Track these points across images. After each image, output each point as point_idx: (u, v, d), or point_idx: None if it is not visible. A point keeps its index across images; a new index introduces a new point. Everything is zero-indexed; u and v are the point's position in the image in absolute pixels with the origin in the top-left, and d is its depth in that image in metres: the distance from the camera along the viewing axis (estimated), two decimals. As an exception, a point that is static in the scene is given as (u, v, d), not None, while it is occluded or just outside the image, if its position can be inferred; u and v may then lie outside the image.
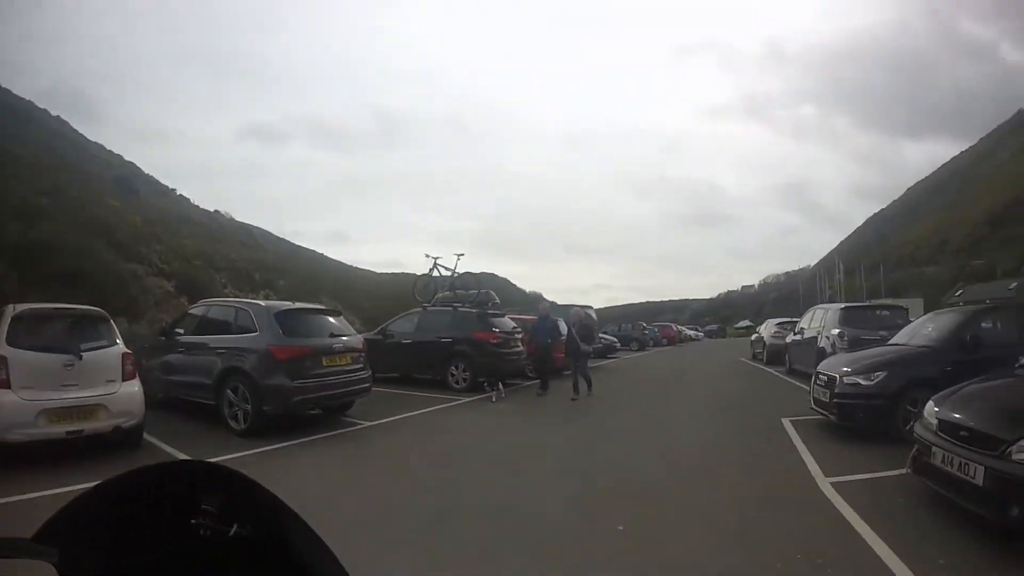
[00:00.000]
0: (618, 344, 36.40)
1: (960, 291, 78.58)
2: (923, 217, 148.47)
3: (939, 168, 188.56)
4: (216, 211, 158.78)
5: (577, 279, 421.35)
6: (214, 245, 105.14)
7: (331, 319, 12.99)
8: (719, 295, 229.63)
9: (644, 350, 44.17)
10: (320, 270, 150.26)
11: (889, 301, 33.47)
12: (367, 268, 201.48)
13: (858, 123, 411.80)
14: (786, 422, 12.08)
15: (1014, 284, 69.85)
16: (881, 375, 10.14)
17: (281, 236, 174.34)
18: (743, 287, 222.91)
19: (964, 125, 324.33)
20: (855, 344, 15.63)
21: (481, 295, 20.57)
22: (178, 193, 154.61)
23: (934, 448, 6.39)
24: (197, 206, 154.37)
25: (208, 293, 31.71)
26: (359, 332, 15.31)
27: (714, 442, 10.97)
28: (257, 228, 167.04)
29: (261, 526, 1.35)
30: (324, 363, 11.54)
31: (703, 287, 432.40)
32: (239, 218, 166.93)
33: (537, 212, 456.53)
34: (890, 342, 12.70)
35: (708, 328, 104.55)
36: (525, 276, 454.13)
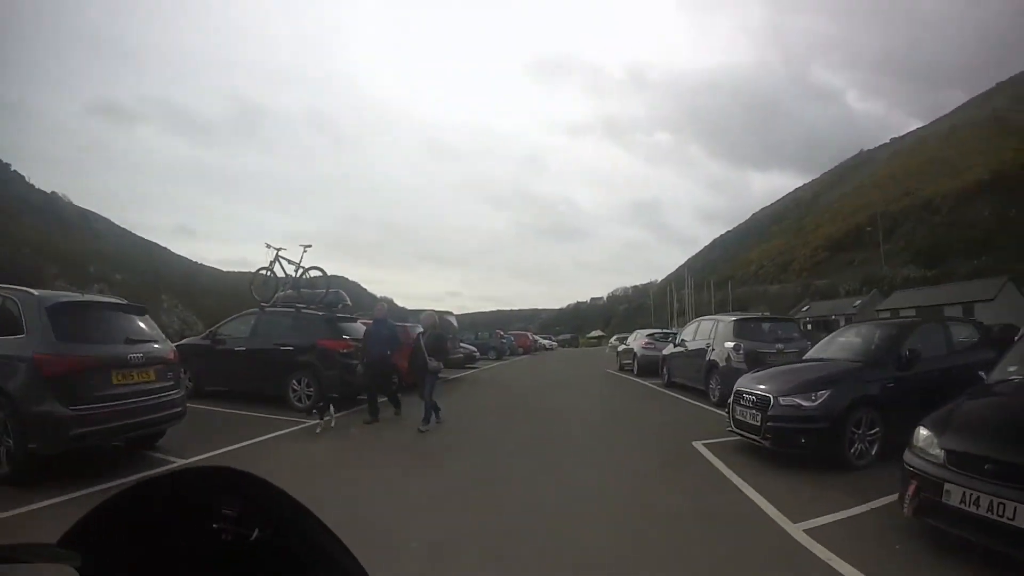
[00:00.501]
0: (477, 354, 33.91)
1: (807, 307, 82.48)
2: (767, 240, 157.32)
3: (784, 196, 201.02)
4: (54, 193, 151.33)
5: (429, 287, 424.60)
6: (48, 231, 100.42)
7: (134, 318, 9.43)
8: (568, 306, 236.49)
9: (502, 359, 42.14)
10: (163, 265, 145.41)
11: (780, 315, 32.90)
12: (213, 265, 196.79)
13: (710, 152, 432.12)
14: (699, 447, 10.28)
15: (858, 302, 75.30)
16: (825, 395, 8.78)
17: (124, 226, 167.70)
18: (592, 299, 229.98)
19: (807, 161, 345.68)
20: (753, 358, 14.66)
21: (330, 295, 17.05)
22: (13, 169, 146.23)
23: (947, 485, 5.30)
24: (32, 185, 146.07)
25: (36, 285, 27.86)
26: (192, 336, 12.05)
27: (630, 486, 8.21)
28: (97, 215, 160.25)
29: (282, 529, 1.31)
30: (115, 380, 8.24)
31: (553, 298, 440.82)
32: (78, 202, 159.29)
33: (393, 218, 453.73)
34: (810, 356, 11.62)
35: (561, 337, 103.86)
36: (377, 281, 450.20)
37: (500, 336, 47.01)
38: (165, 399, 8.97)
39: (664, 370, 21.16)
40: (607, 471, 9.06)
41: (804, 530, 6.03)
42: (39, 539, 1.20)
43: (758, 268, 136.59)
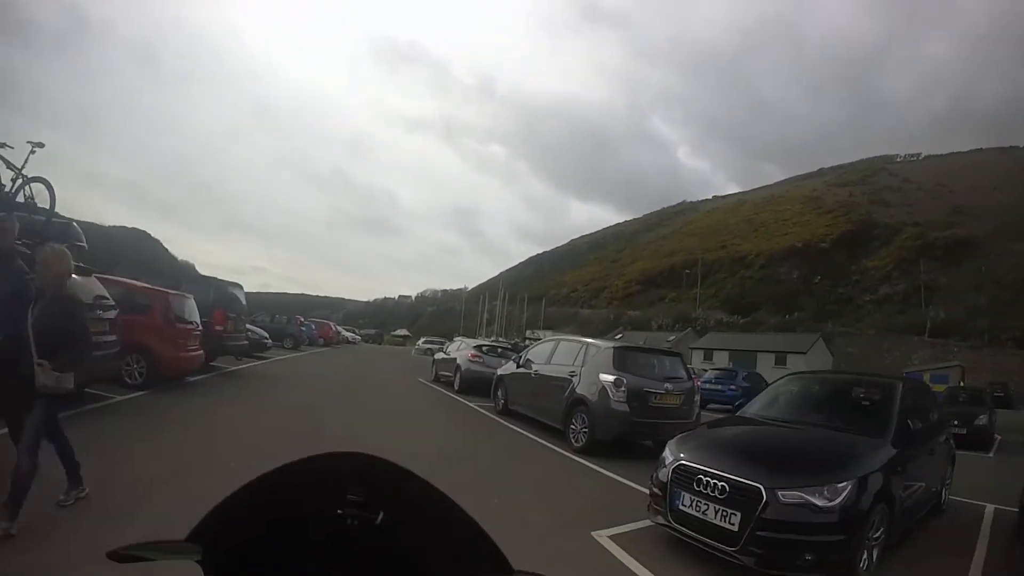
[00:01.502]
0: (269, 341, 28.21)
1: (620, 335, 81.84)
2: (583, 266, 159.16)
3: (604, 228, 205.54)
4: None
5: (232, 257, 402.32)
6: None
7: None
8: (376, 300, 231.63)
9: (299, 350, 36.86)
10: None
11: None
12: None
13: (537, 172, 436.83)
14: (609, 545, 6.38)
15: (672, 337, 75.95)
16: (847, 488, 5.69)
17: None
18: (401, 296, 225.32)
19: (628, 201, 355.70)
20: (637, 398, 11.99)
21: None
22: None
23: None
24: None
25: None
26: None
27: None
28: None
29: (409, 512, 1.34)
30: None
31: (360, 290, 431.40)
32: None
33: (204, 177, 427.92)
34: (759, 415, 8.35)
35: (365, 332, 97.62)
36: (176, 242, 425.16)
37: (300, 323, 41.17)
38: None
39: (499, 394, 16.87)
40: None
41: None
42: None
43: (571, 291, 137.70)
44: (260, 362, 24.21)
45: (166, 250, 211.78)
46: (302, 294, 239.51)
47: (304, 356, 33.24)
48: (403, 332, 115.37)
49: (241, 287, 20.81)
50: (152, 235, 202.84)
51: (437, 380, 24.79)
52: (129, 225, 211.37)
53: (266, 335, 27.30)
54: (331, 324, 57.46)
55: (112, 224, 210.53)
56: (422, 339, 67.67)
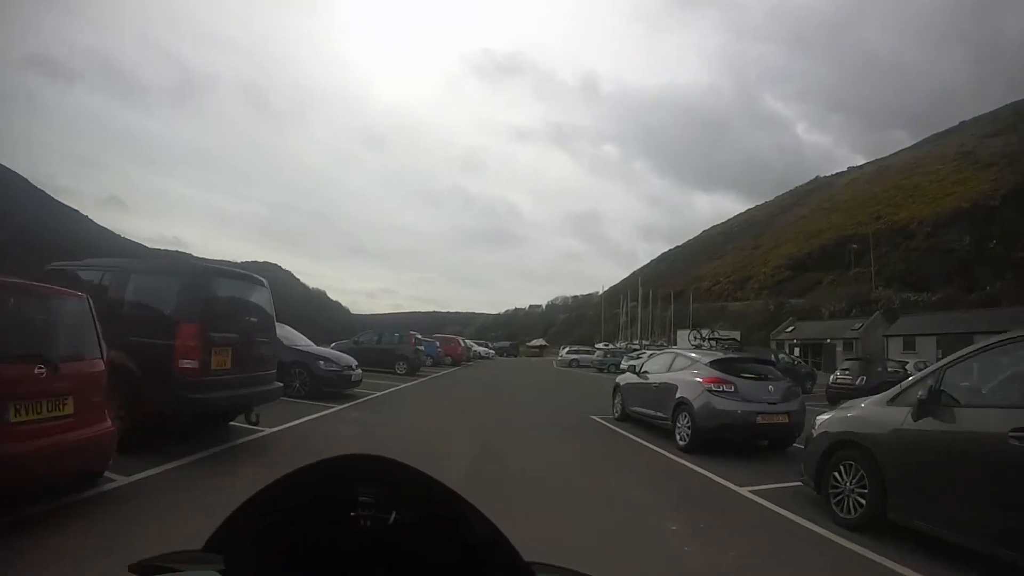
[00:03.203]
0: (355, 371, 17.25)
1: (792, 327, 69.88)
2: (719, 257, 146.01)
3: (736, 216, 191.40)
4: None
5: (360, 282, 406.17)
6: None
7: None
8: (506, 312, 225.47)
9: (415, 375, 27.35)
10: (79, 236, 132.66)
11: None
12: (139, 242, 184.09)
13: (655, 169, 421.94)
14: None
15: (858, 325, 63.26)
16: None
17: (39, 186, 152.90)
18: (531, 306, 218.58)
19: (752, 186, 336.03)
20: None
21: None
22: None
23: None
24: None
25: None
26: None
27: None
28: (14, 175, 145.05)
29: (422, 511, 1.33)
30: None
31: (489, 303, 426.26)
32: (7, 162, 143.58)
33: (325, 208, 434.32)
34: None
35: (499, 344, 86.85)
36: (309, 273, 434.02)
37: (414, 340, 29.79)
38: None
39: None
40: None
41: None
42: None
43: (712, 284, 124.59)
44: (336, 408, 14.27)
45: (297, 280, 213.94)
46: (433, 312, 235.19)
47: (416, 386, 23.29)
48: (539, 342, 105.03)
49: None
50: (283, 267, 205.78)
51: (627, 419, 14.66)
52: (260, 260, 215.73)
53: (351, 363, 17.28)
54: (459, 340, 47.15)
55: (244, 260, 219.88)
56: (565, 348, 58.00)
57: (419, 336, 30.37)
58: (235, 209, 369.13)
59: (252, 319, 9.82)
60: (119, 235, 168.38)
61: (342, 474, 1.33)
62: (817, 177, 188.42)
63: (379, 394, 18.57)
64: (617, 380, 16.00)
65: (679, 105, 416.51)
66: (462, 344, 45.28)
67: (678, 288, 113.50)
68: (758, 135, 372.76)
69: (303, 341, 17.53)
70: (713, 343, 37.44)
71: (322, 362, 16.23)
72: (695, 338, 46.19)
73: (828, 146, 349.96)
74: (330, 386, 15.96)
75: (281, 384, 10.94)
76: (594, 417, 15.70)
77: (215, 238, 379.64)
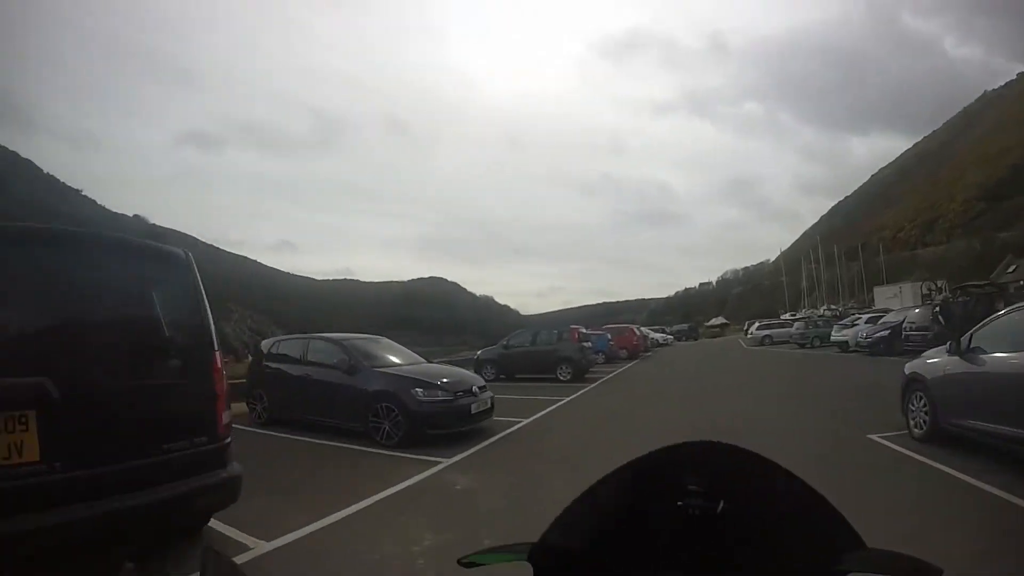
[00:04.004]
0: (479, 395, 11.12)
1: (1013, 267, 59.75)
2: (894, 202, 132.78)
3: (904, 153, 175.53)
4: (136, 216, 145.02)
5: (527, 283, 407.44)
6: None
7: None
8: (677, 293, 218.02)
9: (583, 381, 21.35)
10: (246, 275, 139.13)
11: None
12: (309, 276, 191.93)
13: (803, 118, 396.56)
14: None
15: None
16: None
17: (208, 242, 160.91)
18: (701, 284, 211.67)
19: (909, 119, 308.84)
20: None
21: None
22: (83, 194, 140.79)
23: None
24: (104, 208, 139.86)
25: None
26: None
27: None
28: (178, 233, 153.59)
29: (752, 495, 1.27)
30: None
31: (659, 286, 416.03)
32: (182, 228, 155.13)
33: (483, 215, 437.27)
34: None
35: (676, 328, 77.26)
36: (477, 281, 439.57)
37: (577, 335, 23.07)
38: None
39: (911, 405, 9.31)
40: None
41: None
42: None
43: (896, 232, 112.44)
44: (401, 482, 7.53)
45: (464, 289, 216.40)
46: (603, 302, 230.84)
47: (582, 399, 16.93)
48: (719, 320, 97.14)
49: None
50: (448, 279, 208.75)
51: (945, 438, 8.11)
52: (426, 275, 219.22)
53: (470, 384, 11.22)
54: (633, 329, 39.94)
55: (411, 277, 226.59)
56: (754, 324, 50.66)
57: (584, 330, 24.86)
58: (397, 232, 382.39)
59: (110, 333, 4.67)
60: (287, 272, 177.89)
61: (670, 463, 1.28)
62: (985, 92, 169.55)
63: (519, 426, 12.17)
64: (913, 368, 9.25)
65: (813, 45, 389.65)
66: (637, 333, 39.09)
67: (857, 242, 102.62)
68: (904, 61, 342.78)
69: (404, 358, 12.31)
70: (959, 295, 27.67)
71: (420, 390, 10.32)
72: (928, 290, 38.47)
73: (978, 59, 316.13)
74: (436, 425, 10.17)
75: (230, 475, 5.11)
76: (875, 438, 8.95)
77: (382, 261, 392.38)
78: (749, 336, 48.58)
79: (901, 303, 50.33)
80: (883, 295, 60.83)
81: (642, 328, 49.15)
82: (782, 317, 65.07)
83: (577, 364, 22.12)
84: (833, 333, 33.61)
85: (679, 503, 1.22)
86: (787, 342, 42.63)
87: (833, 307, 72.10)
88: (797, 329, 43.14)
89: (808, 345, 37.95)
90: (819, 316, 52.91)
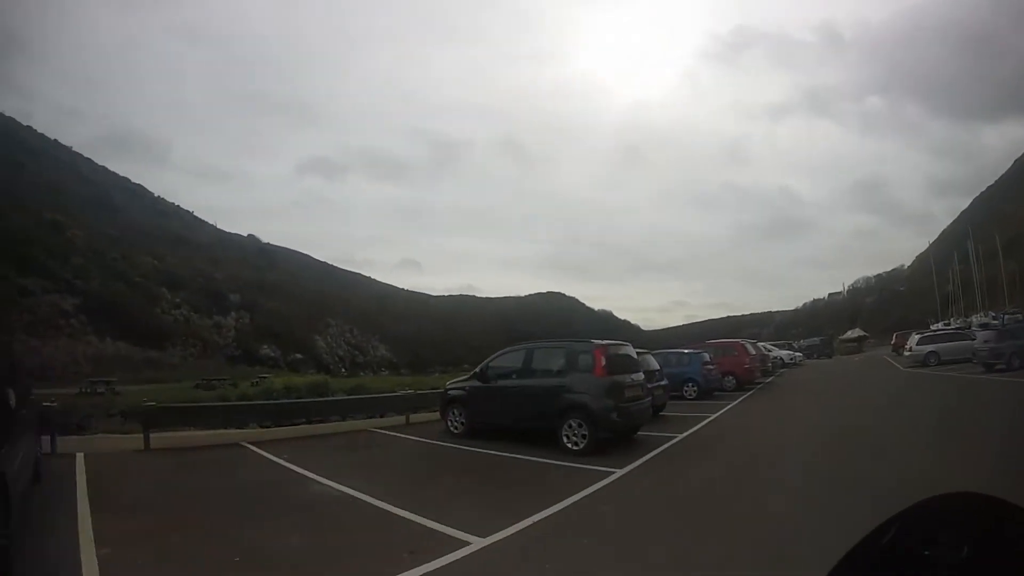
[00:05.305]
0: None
1: None
2: None
3: None
4: (251, 235, 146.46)
5: (652, 298, 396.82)
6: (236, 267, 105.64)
7: None
8: (804, 305, 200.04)
9: (631, 454, 11.09)
10: (352, 292, 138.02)
11: None
12: (438, 293, 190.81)
13: (930, 110, 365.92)
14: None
15: None
16: None
17: (322, 260, 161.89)
18: (830, 295, 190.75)
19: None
20: None
21: None
22: (216, 224, 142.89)
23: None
24: (219, 228, 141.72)
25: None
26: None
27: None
28: (291, 251, 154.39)
29: (1002, 544, 1.23)
30: None
31: (785, 299, 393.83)
32: (305, 249, 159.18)
33: (602, 232, 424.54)
34: None
35: (807, 343, 63.86)
36: (597, 297, 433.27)
37: (603, 360, 12.15)
38: None
39: None
40: None
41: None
42: None
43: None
44: None
45: (582, 304, 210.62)
46: (727, 316, 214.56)
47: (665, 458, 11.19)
48: (856, 333, 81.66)
49: None
50: (567, 294, 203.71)
51: None
52: (544, 291, 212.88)
53: None
54: (744, 345, 28.22)
55: (528, 292, 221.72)
56: (914, 338, 36.28)
57: (630, 350, 14.48)
58: (517, 251, 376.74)
59: None
60: (403, 288, 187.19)
61: (924, 516, 1.30)
62: None
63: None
64: None
65: (933, 27, 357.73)
66: (750, 351, 27.34)
67: (1010, 235, 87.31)
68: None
69: None
70: None
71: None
72: None
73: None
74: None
75: None
76: None
77: (503, 279, 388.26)
78: (908, 353, 35.25)
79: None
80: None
81: (761, 343, 38.08)
82: (933, 327, 51.75)
83: (601, 419, 11.57)
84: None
85: (925, 552, 1.22)
86: (967, 361, 28.71)
87: (993, 313, 58.42)
88: (984, 341, 27.47)
89: (1004, 367, 24.47)
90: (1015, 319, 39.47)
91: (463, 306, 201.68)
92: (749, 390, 24.59)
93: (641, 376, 13.65)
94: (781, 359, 40.41)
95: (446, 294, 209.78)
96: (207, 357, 69.23)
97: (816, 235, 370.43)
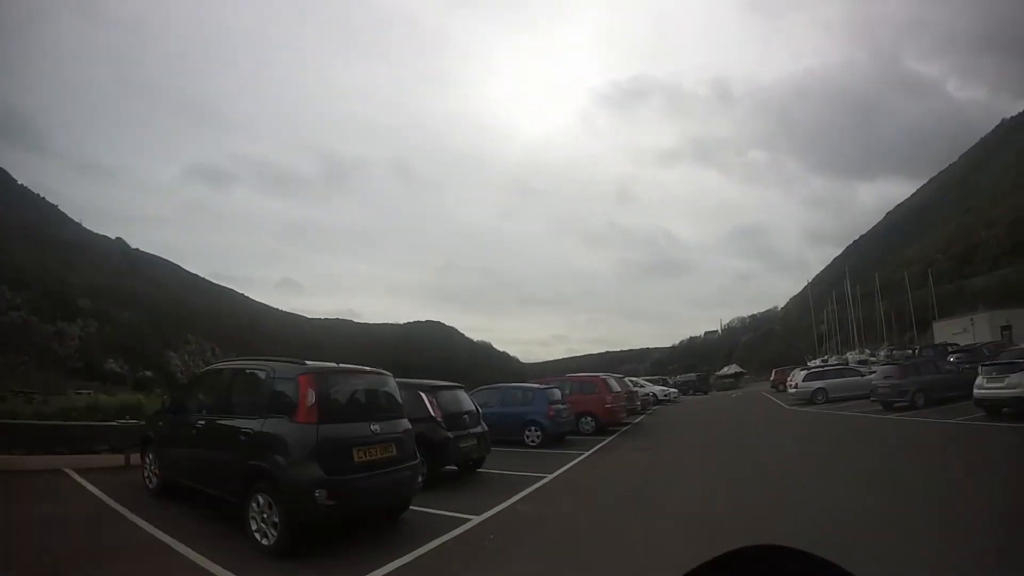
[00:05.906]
0: None
1: None
2: (919, 237, 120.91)
3: (924, 186, 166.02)
4: (119, 238, 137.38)
5: (534, 331, 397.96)
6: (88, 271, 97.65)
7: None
8: (681, 342, 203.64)
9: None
10: (219, 307, 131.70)
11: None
12: (299, 313, 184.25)
13: (810, 166, 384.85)
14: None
15: None
16: None
17: (193, 272, 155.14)
18: (707, 332, 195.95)
19: (914, 163, 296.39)
20: None
21: None
22: (81, 223, 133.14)
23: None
24: (86, 228, 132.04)
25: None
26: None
27: None
28: (159, 258, 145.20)
29: None
30: None
31: (663, 336, 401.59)
32: (183, 262, 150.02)
33: (488, 262, 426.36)
34: None
35: (683, 379, 58.42)
36: (480, 328, 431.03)
37: (310, 389, 7.26)
38: None
39: None
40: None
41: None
42: None
43: (927, 266, 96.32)
44: None
45: (461, 334, 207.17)
46: (605, 352, 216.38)
47: None
48: (733, 369, 77.87)
49: None
50: (446, 323, 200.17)
51: None
52: (423, 319, 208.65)
53: None
54: (605, 380, 22.34)
55: (408, 320, 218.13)
56: (800, 373, 31.81)
57: (386, 380, 9.32)
58: (402, 277, 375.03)
59: None
60: (278, 309, 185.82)
61: (762, 563, 1.26)
62: (1002, 120, 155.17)
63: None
64: None
65: (818, 91, 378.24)
66: (613, 388, 22.21)
67: (880, 280, 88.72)
68: (909, 104, 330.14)
69: None
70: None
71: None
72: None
73: (982, 100, 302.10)
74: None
75: None
76: None
77: (385, 304, 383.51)
78: (794, 390, 30.96)
79: (974, 337, 47.22)
80: (946, 330, 56.28)
81: (632, 379, 34.03)
82: (810, 363, 48.60)
83: (295, 497, 7.00)
84: (980, 383, 17.29)
85: None
86: (857, 398, 25.53)
87: (865, 351, 56.99)
88: (884, 377, 23.31)
89: (907, 405, 21.07)
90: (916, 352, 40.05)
91: (338, 330, 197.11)
92: (613, 433, 19.94)
93: (402, 425, 8.35)
94: (655, 395, 36.24)
95: (323, 317, 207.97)
96: (43, 368, 59.53)
97: (696, 276, 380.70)
